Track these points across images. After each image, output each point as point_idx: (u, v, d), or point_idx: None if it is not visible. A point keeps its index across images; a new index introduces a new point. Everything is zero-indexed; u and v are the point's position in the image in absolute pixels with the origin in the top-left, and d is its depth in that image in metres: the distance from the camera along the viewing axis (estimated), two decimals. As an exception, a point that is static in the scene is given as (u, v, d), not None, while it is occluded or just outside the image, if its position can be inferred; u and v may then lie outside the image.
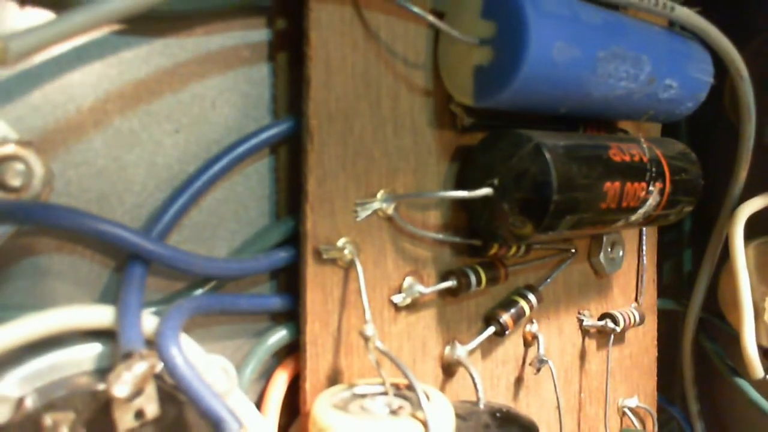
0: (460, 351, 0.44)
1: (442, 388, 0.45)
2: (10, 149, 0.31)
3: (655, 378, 0.60)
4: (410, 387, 0.37)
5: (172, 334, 0.32)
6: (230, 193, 0.39)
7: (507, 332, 0.46)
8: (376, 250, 0.41)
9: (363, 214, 0.39)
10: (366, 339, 0.37)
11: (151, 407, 0.32)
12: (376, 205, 0.40)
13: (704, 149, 0.56)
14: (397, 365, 0.36)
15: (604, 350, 0.55)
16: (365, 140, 0.39)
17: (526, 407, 0.49)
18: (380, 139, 0.40)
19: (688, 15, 0.45)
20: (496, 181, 0.40)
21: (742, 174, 0.55)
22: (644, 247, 0.57)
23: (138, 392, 0.31)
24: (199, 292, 0.37)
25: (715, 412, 0.61)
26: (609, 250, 0.53)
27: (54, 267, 0.34)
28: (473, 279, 0.43)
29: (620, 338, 0.57)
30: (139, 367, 0.29)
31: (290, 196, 0.40)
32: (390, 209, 0.40)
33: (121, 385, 0.29)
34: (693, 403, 0.60)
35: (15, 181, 0.30)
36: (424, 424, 0.34)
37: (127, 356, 0.30)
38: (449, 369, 0.45)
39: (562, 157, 0.40)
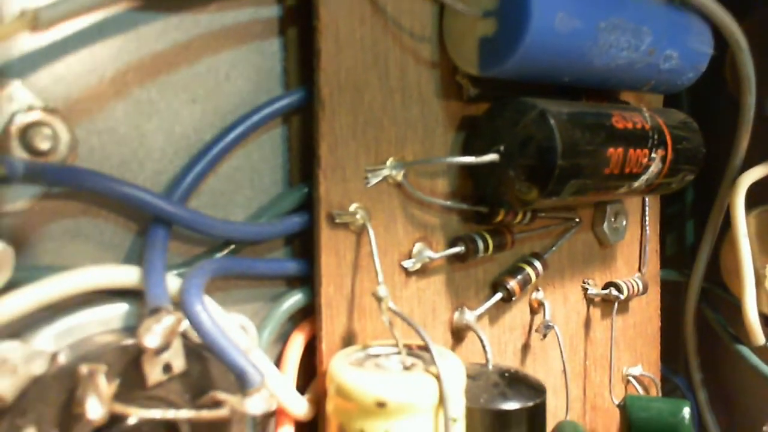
0: (469, 316, 0.46)
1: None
2: (37, 115, 0.32)
3: (659, 347, 0.61)
4: (422, 348, 0.39)
5: (196, 291, 0.33)
6: (245, 161, 0.41)
7: (514, 298, 0.47)
8: (386, 216, 0.42)
9: (373, 180, 0.41)
10: (379, 300, 0.38)
11: (178, 361, 0.33)
12: (386, 171, 0.41)
13: (706, 122, 0.57)
14: (409, 323, 0.38)
15: (609, 319, 0.56)
16: (374, 110, 0.41)
17: (533, 373, 0.51)
18: (389, 109, 0.42)
19: (686, -13, 0.46)
20: (501, 148, 0.42)
21: (743, 144, 0.56)
22: (647, 218, 0.58)
23: (166, 345, 0.32)
24: (218, 256, 0.39)
25: (718, 381, 0.62)
26: (612, 220, 0.55)
27: (81, 230, 0.36)
28: (480, 245, 0.45)
29: (624, 308, 0.58)
30: (167, 320, 0.31)
31: (302, 165, 0.42)
32: (399, 176, 0.42)
33: (151, 336, 0.30)
34: (696, 372, 0.62)
35: (43, 145, 0.32)
36: (437, 377, 0.35)
37: (155, 311, 0.32)
38: (458, 334, 0.46)
39: (566, 123, 0.41)
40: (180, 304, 0.33)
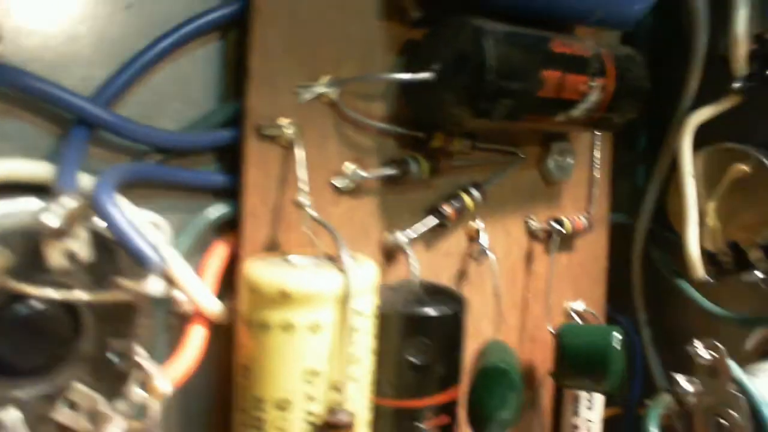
0: (401, 237, 0.46)
1: (384, 274, 0.46)
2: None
3: (604, 287, 0.62)
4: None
5: (106, 183, 0.34)
6: (178, 73, 0.41)
7: (448, 223, 0.48)
8: (318, 134, 0.42)
9: (305, 96, 0.41)
10: (299, 207, 0.39)
11: (83, 251, 0.34)
12: (319, 88, 0.42)
13: (664, 66, 0.58)
14: (326, 227, 0.38)
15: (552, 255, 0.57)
16: (311, 24, 0.41)
17: (469, 300, 0.51)
18: (326, 25, 0.42)
19: None
20: (437, 66, 0.42)
21: (693, 84, 0.56)
22: (596, 159, 0.58)
23: (67, 229, 0.32)
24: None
25: (663, 321, 0.63)
26: (559, 157, 0.55)
27: (2, 130, 0.36)
28: (414, 167, 0.45)
29: (569, 245, 0.58)
30: (69, 202, 0.31)
31: (237, 81, 0.42)
32: (334, 94, 0.42)
33: (49, 216, 0.31)
34: (641, 312, 0.62)
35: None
36: (343, 270, 0.36)
37: (59, 195, 0.32)
38: (391, 256, 0.47)
39: (501, 41, 0.41)
40: (90, 195, 0.33)
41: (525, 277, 0.56)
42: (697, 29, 0.54)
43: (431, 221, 0.47)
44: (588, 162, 0.59)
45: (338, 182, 0.43)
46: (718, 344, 0.46)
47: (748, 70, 0.53)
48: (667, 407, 0.48)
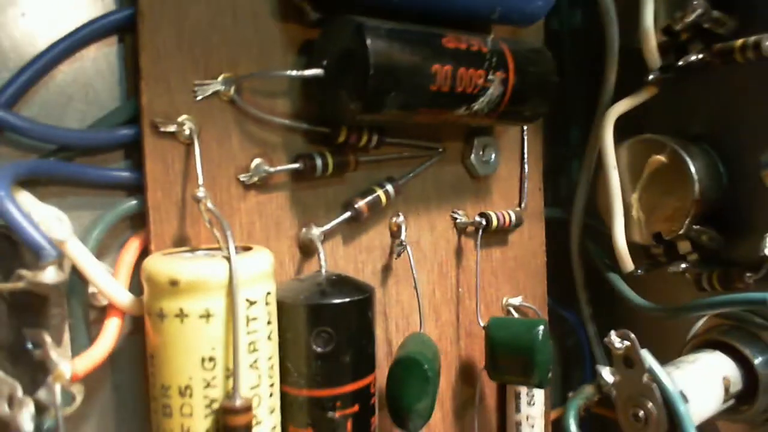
0: (315, 231, 0.48)
1: (299, 268, 0.48)
2: None
3: (545, 283, 0.62)
4: (246, 248, 0.41)
5: (2, 177, 0.36)
6: (79, 75, 0.43)
7: (362, 217, 0.49)
8: (219, 131, 0.44)
9: (202, 94, 0.43)
10: (197, 201, 0.41)
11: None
12: (216, 86, 0.44)
13: (591, 64, 0.59)
14: (219, 220, 0.40)
15: (484, 249, 0.58)
16: (202, 26, 0.43)
17: (396, 294, 0.53)
18: (219, 27, 0.44)
19: None
20: (326, 63, 0.44)
21: (611, 78, 0.58)
22: (526, 154, 0.60)
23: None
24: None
25: (607, 315, 0.63)
26: (481, 153, 0.56)
27: None
28: (319, 162, 0.47)
29: (503, 240, 0.59)
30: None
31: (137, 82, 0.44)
32: (231, 92, 0.44)
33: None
34: (585, 307, 0.63)
35: None
36: (228, 259, 0.37)
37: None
38: (306, 250, 0.48)
39: (384, 37, 0.43)
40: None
41: (456, 272, 0.56)
42: (608, 23, 0.56)
43: (344, 215, 0.49)
44: (518, 156, 0.60)
45: (243, 177, 0.45)
46: (630, 334, 0.47)
47: (661, 62, 0.55)
48: (588, 398, 0.49)
